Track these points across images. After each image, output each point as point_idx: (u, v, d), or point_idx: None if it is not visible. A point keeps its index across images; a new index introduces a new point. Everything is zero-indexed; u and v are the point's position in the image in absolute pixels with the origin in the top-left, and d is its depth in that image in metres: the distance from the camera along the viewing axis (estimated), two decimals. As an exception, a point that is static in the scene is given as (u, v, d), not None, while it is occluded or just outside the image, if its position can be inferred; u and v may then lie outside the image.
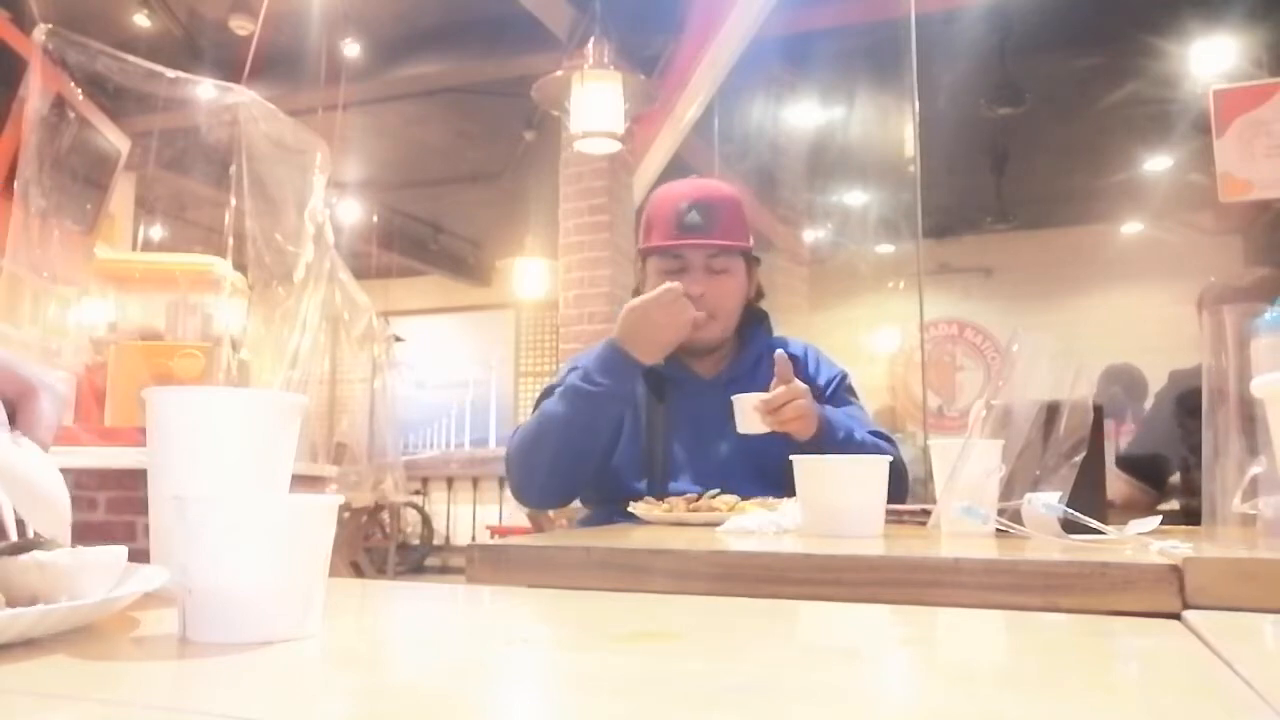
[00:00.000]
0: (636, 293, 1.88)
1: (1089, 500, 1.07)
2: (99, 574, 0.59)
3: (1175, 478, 2.29)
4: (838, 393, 1.82)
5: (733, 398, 1.59)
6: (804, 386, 1.59)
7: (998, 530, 1.10)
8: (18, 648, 0.52)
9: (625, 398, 1.65)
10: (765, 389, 1.61)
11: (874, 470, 1.18)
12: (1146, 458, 2.35)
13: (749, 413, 1.57)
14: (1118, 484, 2.33)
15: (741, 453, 1.65)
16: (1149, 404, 3.82)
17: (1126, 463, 2.40)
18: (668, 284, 1.61)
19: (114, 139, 3.97)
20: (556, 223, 5.56)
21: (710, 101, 5.36)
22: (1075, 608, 0.82)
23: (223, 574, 0.55)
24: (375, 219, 8.18)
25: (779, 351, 1.61)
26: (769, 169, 6.46)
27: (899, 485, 1.56)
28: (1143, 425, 2.68)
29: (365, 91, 5.91)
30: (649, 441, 1.70)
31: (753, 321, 1.83)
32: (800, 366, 1.84)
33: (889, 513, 1.22)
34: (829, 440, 1.58)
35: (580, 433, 1.62)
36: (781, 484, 1.47)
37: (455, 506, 9.23)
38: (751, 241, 1.81)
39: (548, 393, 1.76)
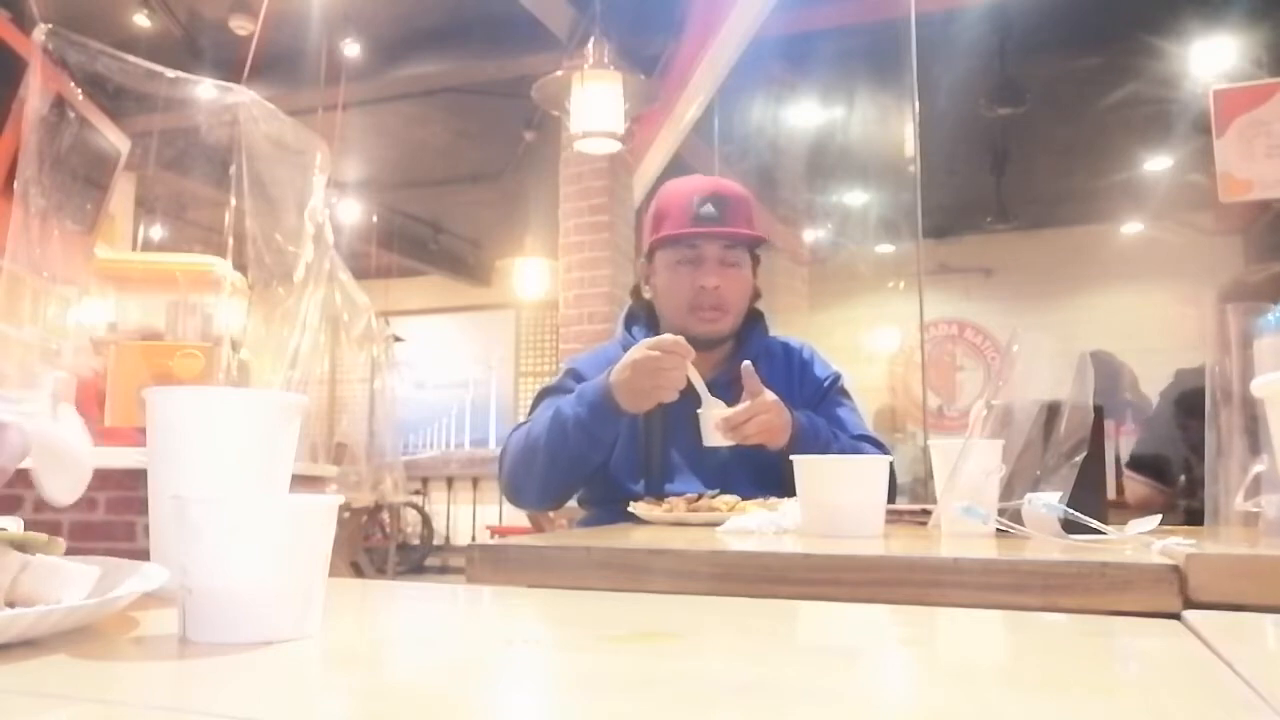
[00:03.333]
0: (636, 291, 1.87)
1: (1089, 500, 1.07)
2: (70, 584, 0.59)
3: (1182, 478, 2.30)
4: (830, 394, 1.81)
5: (699, 410, 1.58)
6: (772, 399, 1.58)
7: (998, 530, 1.10)
8: (18, 648, 0.52)
9: (606, 438, 1.61)
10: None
11: (874, 470, 1.18)
12: (1159, 456, 2.35)
13: (711, 428, 1.56)
14: (1131, 485, 2.34)
15: (739, 455, 1.64)
16: (1127, 393, 3.84)
17: (1137, 464, 2.40)
18: (679, 338, 1.53)
19: (114, 139, 3.97)
20: (556, 223, 5.56)
21: (710, 101, 5.36)
22: (1075, 608, 0.82)
23: (223, 574, 0.55)
24: (375, 219, 8.17)
25: (745, 364, 1.61)
26: (769, 169, 6.46)
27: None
28: (1148, 424, 2.68)
29: (365, 91, 5.91)
30: (646, 444, 1.69)
31: (749, 321, 1.83)
32: (795, 364, 1.84)
33: (889, 513, 1.22)
34: (803, 450, 1.58)
35: (566, 461, 1.62)
36: (779, 486, 1.47)
37: (455, 506, 9.23)
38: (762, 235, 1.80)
39: (544, 394, 1.76)
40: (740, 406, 1.56)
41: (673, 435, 1.69)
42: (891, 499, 1.57)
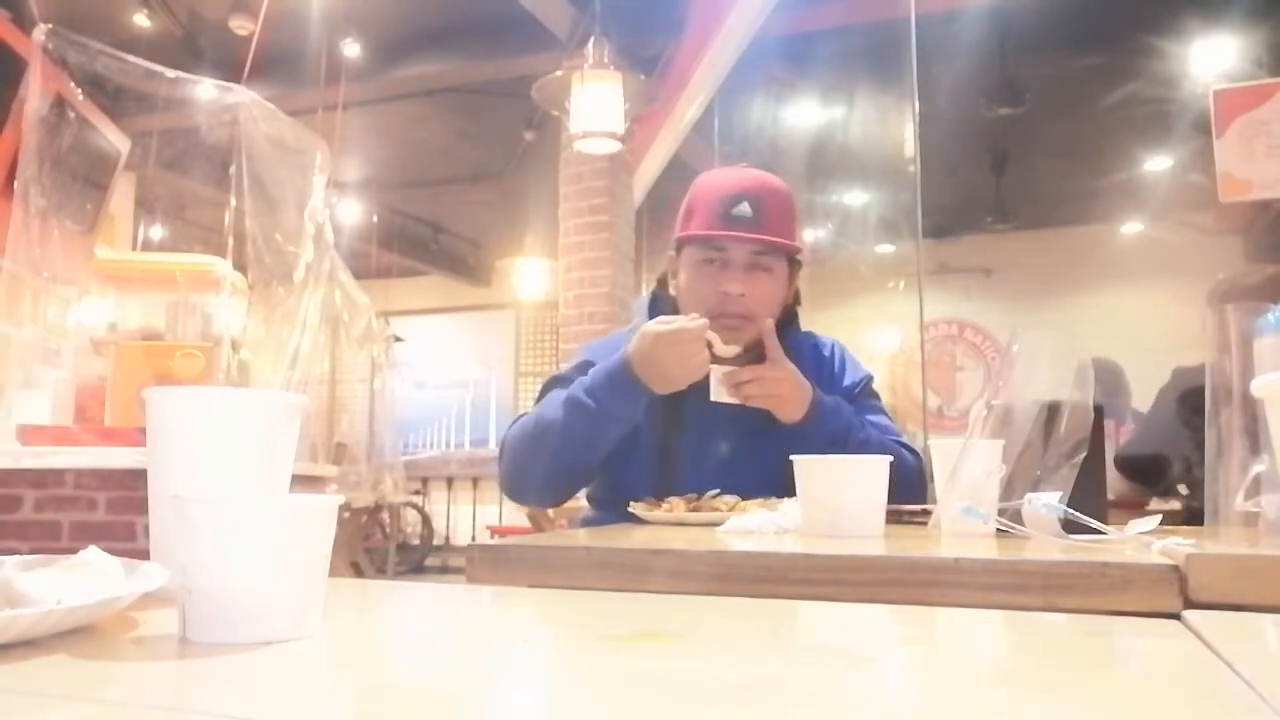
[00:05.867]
0: (663, 282, 1.77)
1: (1089, 500, 1.07)
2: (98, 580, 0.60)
3: (1180, 482, 2.29)
4: (861, 396, 1.75)
5: (711, 366, 1.52)
6: (790, 370, 1.54)
7: (998, 530, 1.09)
8: (18, 648, 0.52)
9: (628, 419, 1.53)
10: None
11: (874, 470, 1.18)
12: (1147, 457, 2.34)
13: (716, 383, 1.54)
14: (1117, 485, 2.33)
15: (745, 454, 1.60)
16: (1132, 400, 3.82)
17: (1124, 463, 2.39)
18: (698, 319, 1.48)
19: (114, 139, 3.97)
20: (556, 223, 5.57)
21: (710, 101, 5.36)
22: (1075, 608, 0.81)
23: (222, 574, 0.55)
24: (375, 219, 8.18)
25: (767, 322, 1.55)
26: (769, 169, 6.42)
27: (919, 490, 1.53)
28: (1144, 422, 2.67)
29: (365, 91, 5.92)
30: (664, 445, 1.63)
31: (783, 322, 1.72)
32: (824, 359, 1.78)
33: (889, 513, 1.22)
34: (820, 428, 1.52)
35: (579, 446, 1.53)
36: (780, 486, 1.45)
37: (455, 506, 9.24)
38: (799, 243, 1.70)
39: (554, 381, 1.66)
40: (748, 368, 1.52)
41: (687, 433, 1.64)
42: (921, 499, 1.54)
